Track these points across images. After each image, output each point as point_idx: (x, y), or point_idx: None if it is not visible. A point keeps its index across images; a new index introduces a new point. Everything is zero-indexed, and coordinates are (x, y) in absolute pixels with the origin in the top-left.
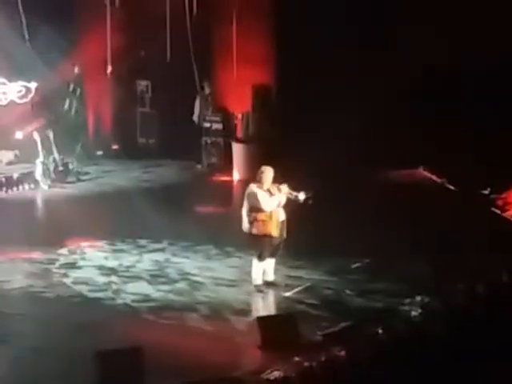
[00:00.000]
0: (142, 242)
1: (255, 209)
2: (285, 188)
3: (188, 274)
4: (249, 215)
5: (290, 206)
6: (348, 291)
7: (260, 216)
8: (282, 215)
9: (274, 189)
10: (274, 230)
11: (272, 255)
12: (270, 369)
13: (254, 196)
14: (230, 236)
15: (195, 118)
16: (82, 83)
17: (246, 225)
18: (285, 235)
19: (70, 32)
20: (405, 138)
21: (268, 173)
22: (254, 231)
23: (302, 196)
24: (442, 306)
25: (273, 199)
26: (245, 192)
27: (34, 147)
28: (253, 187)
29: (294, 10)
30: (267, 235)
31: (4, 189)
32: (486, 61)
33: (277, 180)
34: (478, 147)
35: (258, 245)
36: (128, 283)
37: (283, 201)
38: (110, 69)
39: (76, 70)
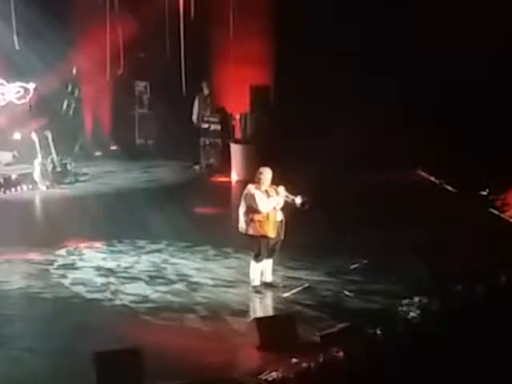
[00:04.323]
0: (141, 242)
1: (252, 209)
2: (282, 191)
3: (186, 274)
4: (245, 216)
5: (289, 206)
6: (346, 292)
7: (257, 217)
8: (279, 215)
9: (271, 190)
10: (271, 231)
11: (269, 256)
12: (268, 370)
13: (251, 197)
14: (228, 237)
15: (194, 118)
16: (80, 84)
17: (242, 225)
18: (282, 236)
19: (69, 33)
20: (404, 138)
21: (266, 174)
22: (251, 231)
23: (298, 200)
24: (441, 307)
25: (270, 201)
26: (243, 192)
27: (33, 148)
28: (251, 188)
29: (292, 11)
30: (264, 236)
31: (2, 189)
32: (486, 62)
33: (275, 181)
34: (478, 147)
35: (255, 245)
36: (126, 284)
37: (281, 203)
38: (108, 69)
39: (74, 70)
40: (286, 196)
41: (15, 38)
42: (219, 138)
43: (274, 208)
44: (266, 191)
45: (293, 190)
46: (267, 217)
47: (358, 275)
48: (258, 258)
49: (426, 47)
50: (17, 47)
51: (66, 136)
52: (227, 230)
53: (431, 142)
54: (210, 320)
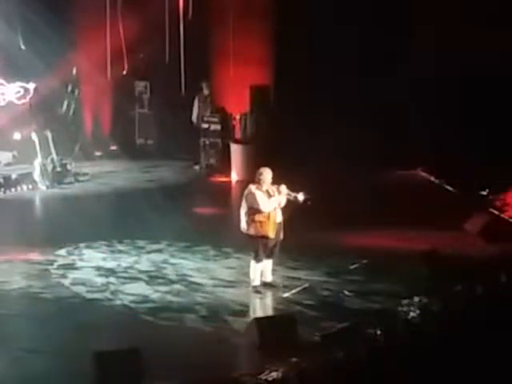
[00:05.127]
0: (141, 242)
1: (253, 210)
2: (284, 189)
3: (186, 274)
4: (247, 216)
5: (289, 206)
6: (346, 292)
7: (258, 217)
8: (279, 216)
9: (272, 190)
10: (271, 232)
11: (268, 256)
12: (268, 370)
13: (252, 197)
14: (228, 237)
15: (194, 118)
16: (80, 84)
17: (243, 225)
18: (281, 236)
19: (69, 33)
20: (404, 138)
21: (267, 174)
22: (251, 232)
23: (301, 197)
24: (441, 307)
25: (271, 200)
26: (243, 193)
27: (33, 148)
28: (252, 188)
29: (292, 11)
30: (264, 236)
31: (2, 189)
32: (486, 62)
33: (275, 181)
34: (478, 147)
35: (254, 245)
36: (126, 284)
37: (283, 202)
38: (108, 70)
39: (74, 70)
40: (288, 194)
41: (19, 37)
42: (219, 138)
43: (275, 208)
44: (267, 191)
45: (294, 187)
46: (268, 217)
47: (358, 275)
48: (257, 258)
49: (426, 47)
50: (22, 47)
51: (66, 136)
52: (227, 230)
53: (431, 142)
54: (209, 320)
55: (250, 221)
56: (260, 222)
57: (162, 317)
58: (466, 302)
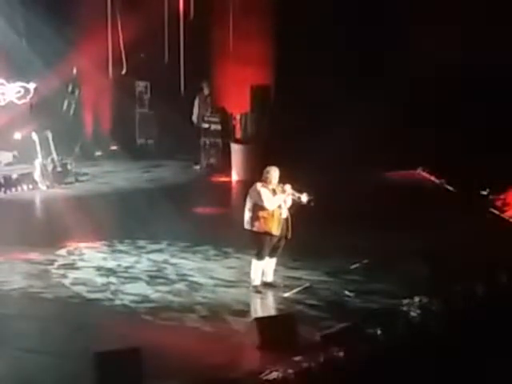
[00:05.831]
0: (141, 242)
1: (257, 206)
2: (289, 188)
3: (186, 274)
4: (251, 212)
5: (290, 206)
6: (347, 292)
7: (261, 213)
8: (284, 213)
9: (278, 189)
10: (275, 228)
11: (271, 255)
12: (269, 369)
13: (257, 193)
14: (229, 237)
15: (194, 118)
16: (80, 84)
17: (247, 222)
18: (289, 235)
19: (69, 33)
20: (404, 138)
21: (274, 172)
22: (255, 228)
23: (304, 198)
24: (441, 306)
25: (276, 198)
26: (248, 191)
27: (33, 148)
28: (258, 185)
29: (292, 10)
30: (267, 233)
31: (3, 189)
32: (486, 62)
33: (280, 179)
34: (478, 147)
35: (258, 242)
36: (126, 284)
37: (289, 202)
38: (109, 70)
39: (74, 70)
40: (293, 194)
41: (20, 37)
42: (219, 138)
43: (280, 206)
44: (273, 190)
45: (294, 188)
46: (272, 214)
47: (358, 275)
48: (259, 255)
49: (425, 47)
50: (23, 46)
51: (67, 136)
52: (227, 229)
53: (431, 142)
54: (210, 320)
55: (254, 217)
56: (264, 218)
57: (163, 317)
58: (466, 302)
